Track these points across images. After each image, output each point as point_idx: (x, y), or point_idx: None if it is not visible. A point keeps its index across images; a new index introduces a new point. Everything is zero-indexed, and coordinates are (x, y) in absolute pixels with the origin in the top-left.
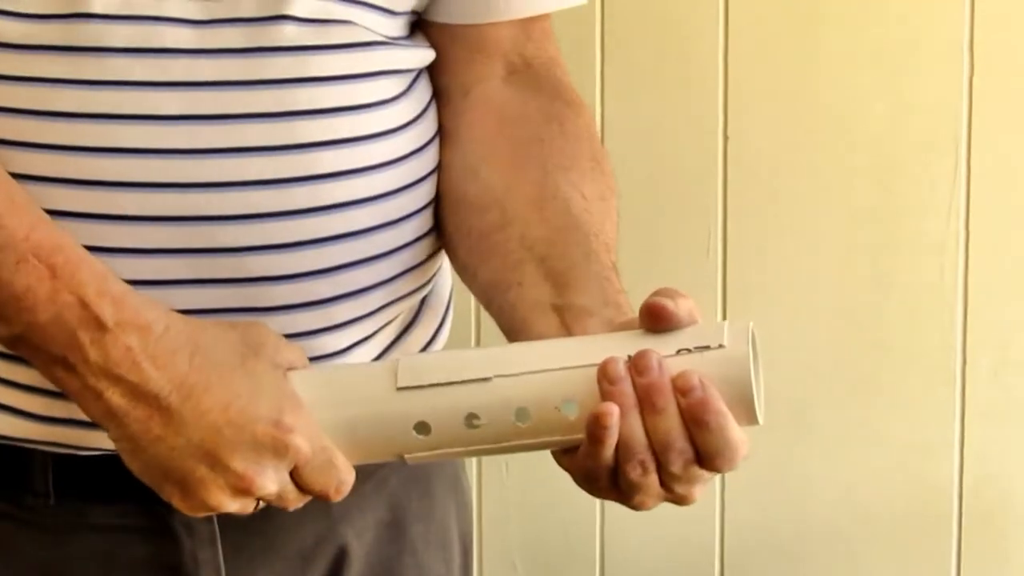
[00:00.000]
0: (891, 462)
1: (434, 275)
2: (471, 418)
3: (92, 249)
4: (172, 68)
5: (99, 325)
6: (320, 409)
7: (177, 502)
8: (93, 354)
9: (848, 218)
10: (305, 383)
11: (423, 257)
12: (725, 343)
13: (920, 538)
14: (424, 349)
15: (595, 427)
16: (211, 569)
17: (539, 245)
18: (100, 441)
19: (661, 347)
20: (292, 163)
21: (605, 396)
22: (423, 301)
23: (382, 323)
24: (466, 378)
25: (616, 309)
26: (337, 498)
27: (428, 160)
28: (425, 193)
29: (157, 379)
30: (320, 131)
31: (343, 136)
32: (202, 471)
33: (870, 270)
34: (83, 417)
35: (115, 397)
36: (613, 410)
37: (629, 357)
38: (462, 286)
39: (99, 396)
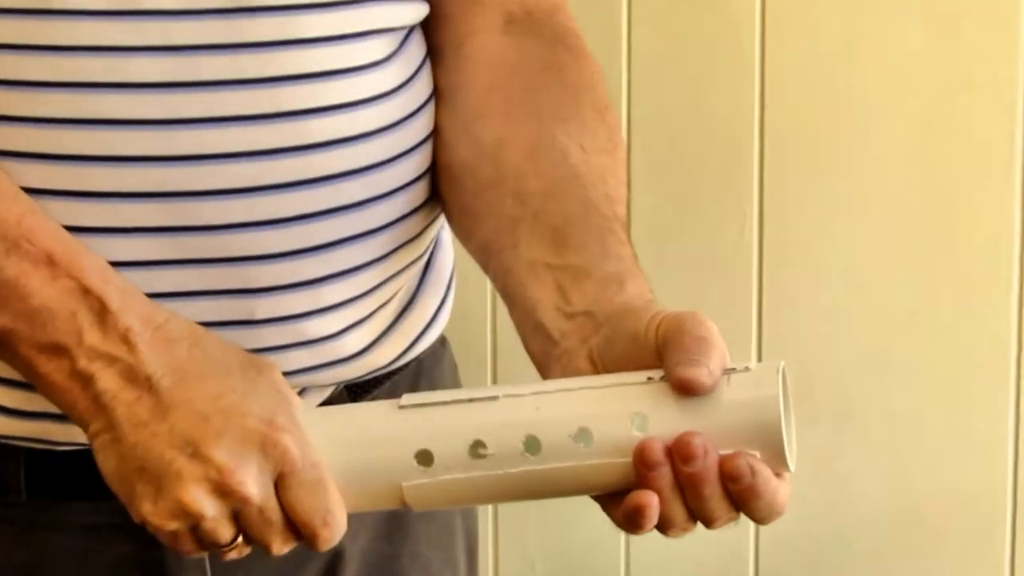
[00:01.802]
0: (940, 456)
1: (431, 248)
2: (477, 445)
3: (68, 229)
4: (148, 31)
5: (102, 308)
6: (316, 443)
7: (148, 507)
8: (91, 336)
9: (893, 192)
10: (302, 418)
11: (418, 230)
12: (752, 367)
13: (971, 536)
14: (424, 331)
15: (634, 515)
16: (196, 570)
17: (534, 199)
18: (77, 435)
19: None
20: (277, 132)
21: (642, 482)
22: (422, 279)
23: (377, 304)
24: (470, 397)
25: (618, 262)
26: (325, 534)
27: (422, 125)
28: (420, 161)
29: (152, 361)
30: (307, 97)
31: (331, 102)
32: (181, 462)
33: (918, 251)
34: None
35: (106, 379)
36: (652, 502)
37: (652, 378)
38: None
39: (88, 381)
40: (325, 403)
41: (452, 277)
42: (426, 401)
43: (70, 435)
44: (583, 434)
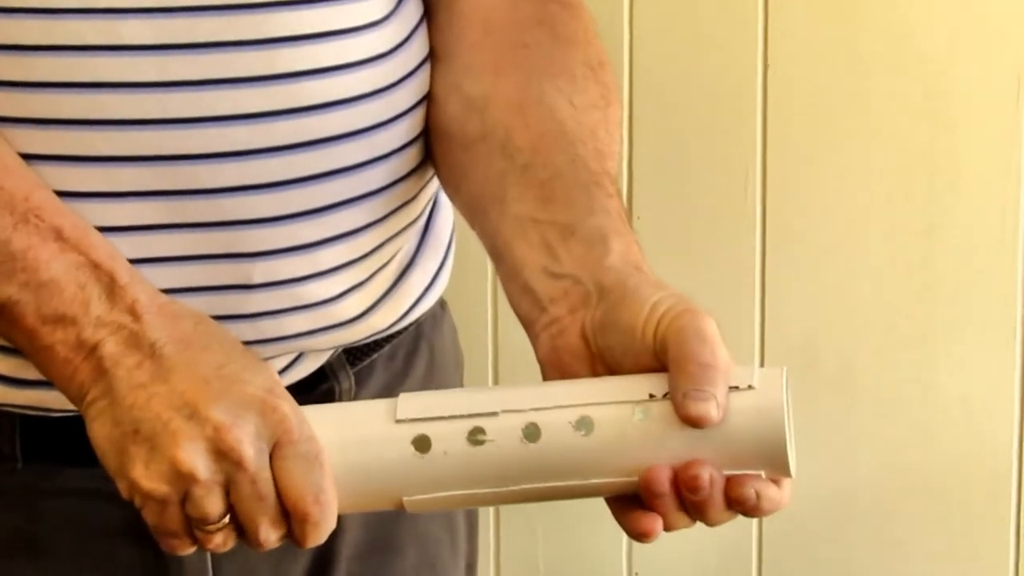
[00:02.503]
0: (945, 420)
1: (429, 209)
2: (475, 432)
3: (62, 194)
4: None
5: (111, 280)
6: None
7: (139, 470)
8: (98, 307)
9: (899, 156)
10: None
11: (416, 191)
12: (755, 383)
13: (976, 500)
14: (424, 294)
15: (639, 536)
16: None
17: (521, 154)
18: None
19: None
20: (272, 95)
21: (649, 504)
22: (421, 241)
23: (375, 267)
24: (470, 412)
25: (604, 216)
26: (315, 512)
27: (419, 86)
28: (417, 122)
29: (157, 329)
30: (303, 59)
31: (328, 64)
32: (178, 422)
33: (922, 213)
34: None
35: (110, 345)
36: (657, 527)
37: (655, 395)
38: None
39: (92, 349)
40: (324, 367)
41: (452, 240)
42: (424, 396)
43: (63, 402)
44: (584, 422)
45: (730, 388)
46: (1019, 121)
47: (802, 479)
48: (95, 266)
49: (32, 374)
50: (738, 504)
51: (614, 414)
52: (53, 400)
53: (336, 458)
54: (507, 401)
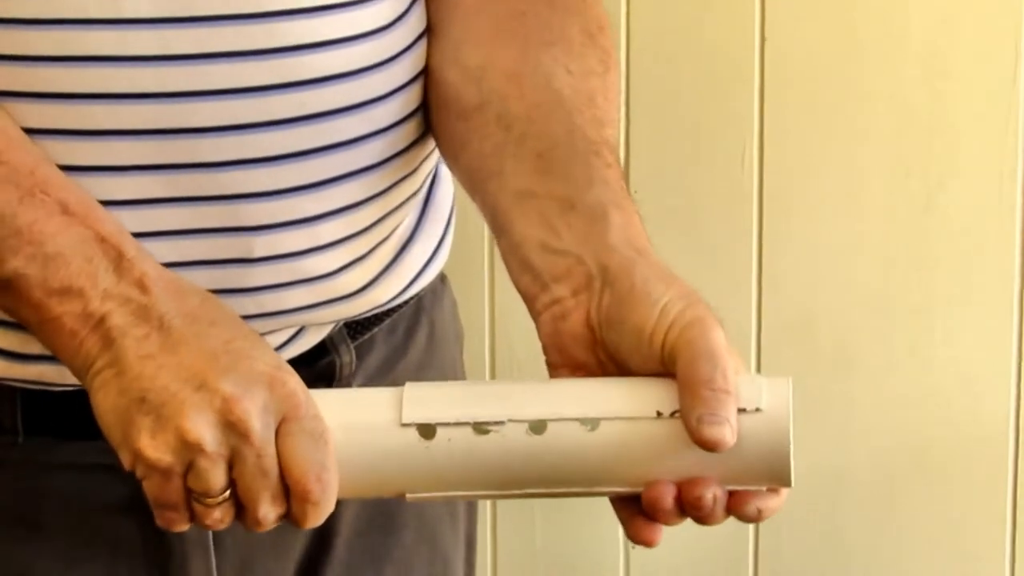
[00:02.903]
0: (942, 396)
1: (429, 182)
2: (481, 423)
3: (63, 168)
4: None
5: (119, 254)
6: None
7: (145, 439)
8: (106, 280)
9: (896, 128)
10: None
11: (415, 164)
12: (763, 406)
13: (973, 475)
14: (424, 268)
15: (640, 543)
16: None
17: (518, 123)
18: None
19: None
20: (271, 68)
21: (652, 518)
22: (421, 215)
23: (375, 241)
24: (476, 420)
25: (603, 187)
26: (316, 490)
27: (417, 58)
28: (416, 95)
29: (166, 303)
30: (302, 33)
31: (327, 37)
32: (186, 393)
33: (920, 185)
34: None
35: (118, 317)
36: (658, 537)
37: (662, 413)
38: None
39: (100, 321)
40: (324, 341)
41: (452, 214)
42: (430, 391)
43: (64, 377)
44: (588, 421)
45: (739, 410)
46: (1015, 86)
47: (799, 455)
48: (102, 240)
49: (34, 349)
50: (738, 516)
51: (621, 428)
52: (54, 375)
53: (340, 446)
54: (514, 409)
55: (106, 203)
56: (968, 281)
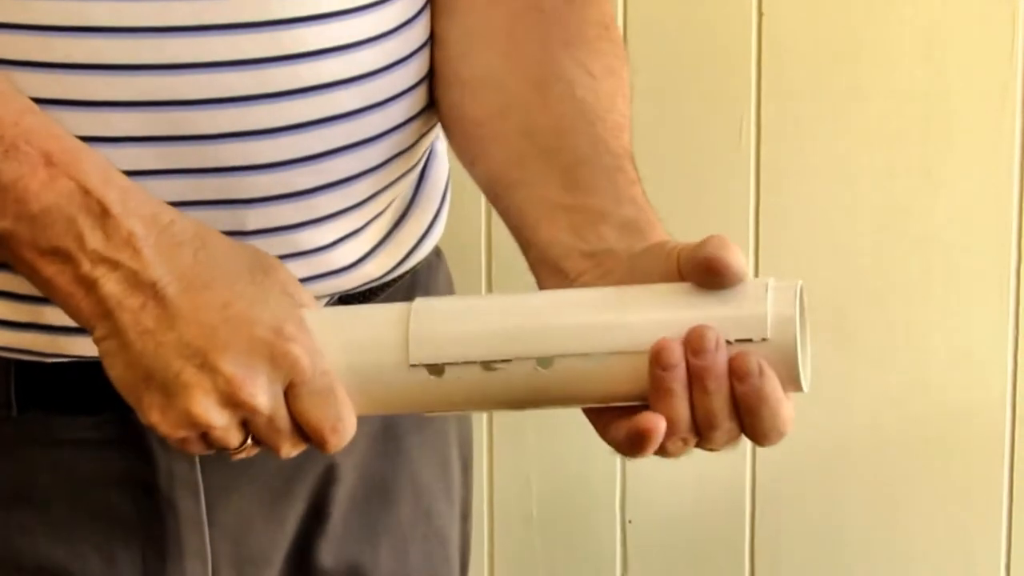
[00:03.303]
0: (939, 371)
1: (425, 158)
2: (489, 360)
3: None
4: None
5: (103, 211)
6: (323, 348)
7: (156, 416)
8: (93, 240)
9: (894, 101)
10: (311, 321)
11: (413, 139)
12: (769, 336)
13: (969, 454)
14: (419, 242)
15: (638, 438)
16: (188, 486)
17: (542, 136)
18: (68, 347)
19: (701, 308)
20: (269, 41)
21: (656, 381)
22: (416, 189)
23: (371, 215)
24: (484, 358)
25: (632, 205)
26: (334, 440)
27: (417, 34)
28: (415, 70)
29: (157, 267)
30: (299, 5)
31: (324, 10)
32: (189, 372)
33: (917, 159)
34: (50, 322)
35: (109, 284)
36: (660, 426)
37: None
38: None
39: (92, 286)
40: None
41: (447, 189)
42: (436, 320)
43: (56, 346)
44: (596, 356)
45: (740, 340)
46: (1013, 67)
47: (795, 429)
48: (85, 193)
49: (22, 316)
50: (739, 377)
51: (630, 360)
52: (46, 343)
53: (350, 362)
54: (522, 339)
55: None
56: (966, 260)
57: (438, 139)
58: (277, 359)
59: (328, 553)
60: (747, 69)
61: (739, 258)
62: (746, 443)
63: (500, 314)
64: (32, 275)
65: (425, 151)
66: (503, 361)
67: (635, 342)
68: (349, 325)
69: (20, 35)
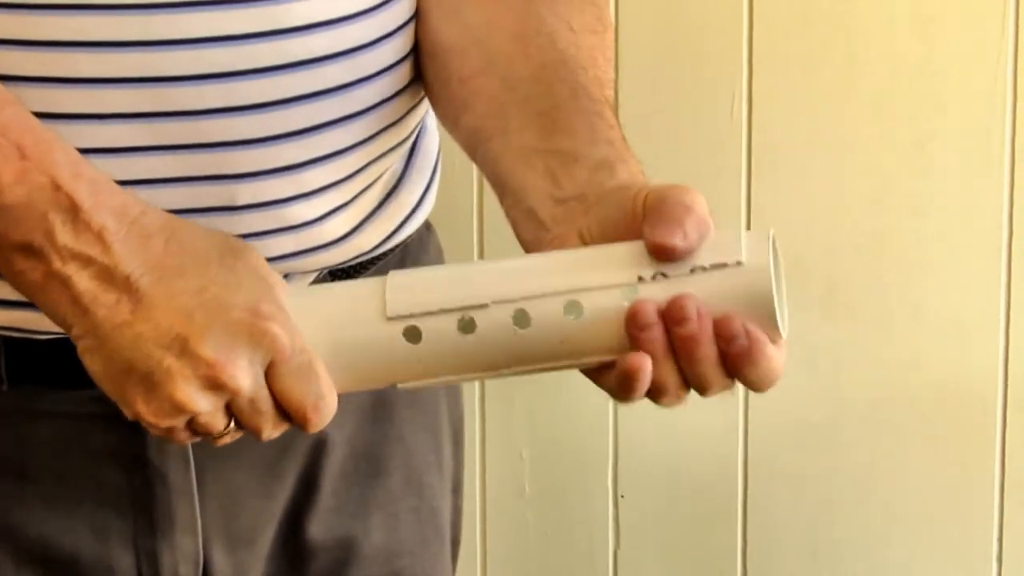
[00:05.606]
0: (931, 342)
1: (416, 130)
2: (466, 322)
3: (46, 116)
4: None
5: (73, 206)
6: (301, 327)
7: (141, 407)
8: (64, 236)
9: (885, 73)
10: (287, 301)
11: (402, 112)
12: (743, 259)
13: (961, 424)
14: (410, 215)
15: (626, 380)
16: (178, 459)
17: (522, 85)
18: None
19: (672, 263)
20: (256, 16)
21: (635, 345)
22: (407, 163)
23: (360, 187)
24: (461, 305)
25: (608, 146)
26: (315, 419)
27: (406, 6)
28: (403, 43)
29: (129, 261)
30: None
31: None
32: (169, 360)
33: (909, 132)
34: None
35: (83, 281)
36: (645, 364)
37: (644, 278)
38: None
39: (65, 282)
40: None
41: (438, 162)
42: (413, 278)
43: (48, 324)
44: (573, 307)
45: (717, 265)
46: (1003, 38)
47: (788, 400)
48: (56, 188)
49: (13, 295)
50: (725, 341)
51: (604, 299)
52: (36, 321)
53: (329, 340)
54: (497, 288)
55: (89, 151)
56: (958, 229)
57: (428, 114)
58: (256, 339)
59: (319, 526)
60: (739, 42)
61: (687, 229)
62: (739, 418)
63: (476, 267)
64: (7, 269)
65: (416, 125)
66: (479, 307)
67: (610, 296)
68: (325, 300)
69: (6, 13)
